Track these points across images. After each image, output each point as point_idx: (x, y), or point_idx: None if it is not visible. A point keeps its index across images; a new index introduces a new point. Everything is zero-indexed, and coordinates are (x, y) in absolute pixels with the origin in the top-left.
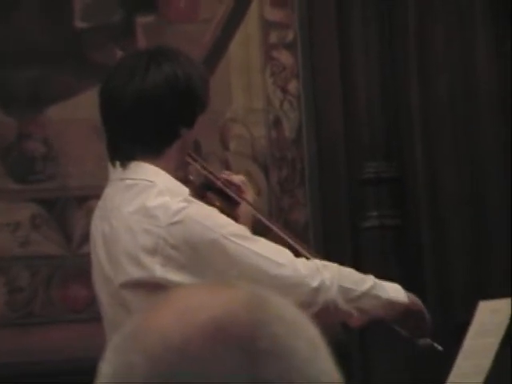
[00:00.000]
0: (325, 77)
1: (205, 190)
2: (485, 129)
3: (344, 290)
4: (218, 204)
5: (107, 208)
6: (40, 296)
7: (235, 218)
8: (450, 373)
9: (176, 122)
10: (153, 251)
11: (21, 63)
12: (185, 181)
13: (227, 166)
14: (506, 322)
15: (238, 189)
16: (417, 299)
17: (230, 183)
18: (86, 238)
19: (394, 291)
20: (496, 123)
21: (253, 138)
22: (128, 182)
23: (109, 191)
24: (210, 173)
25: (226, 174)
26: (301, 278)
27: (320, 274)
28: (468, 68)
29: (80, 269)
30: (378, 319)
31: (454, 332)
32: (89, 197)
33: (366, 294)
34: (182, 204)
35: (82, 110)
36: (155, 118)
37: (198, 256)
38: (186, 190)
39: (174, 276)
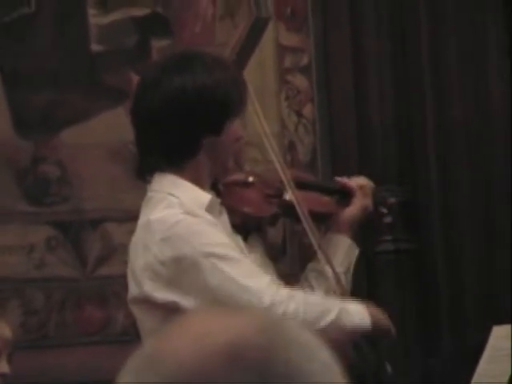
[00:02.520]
0: (339, 101)
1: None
2: (499, 151)
3: (308, 324)
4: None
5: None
6: (54, 318)
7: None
8: None
9: (193, 135)
10: (146, 267)
11: (35, 86)
12: (244, 183)
13: None
14: None
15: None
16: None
17: (345, 186)
18: (100, 260)
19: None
20: (510, 145)
21: (267, 161)
22: (149, 194)
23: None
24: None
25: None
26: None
27: (285, 304)
28: (481, 92)
29: (94, 292)
30: None
31: (468, 355)
32: (103, 220)
33: (330, 326)
34: (178, 218)
35: (96, 133)
36: (168, 133)
37: (181, 273)
38: (206, 198)
39: (161, 294)
